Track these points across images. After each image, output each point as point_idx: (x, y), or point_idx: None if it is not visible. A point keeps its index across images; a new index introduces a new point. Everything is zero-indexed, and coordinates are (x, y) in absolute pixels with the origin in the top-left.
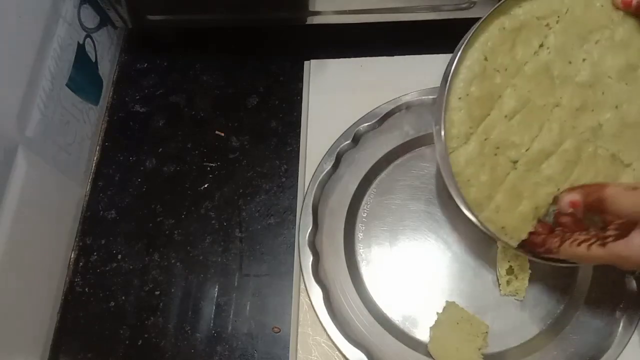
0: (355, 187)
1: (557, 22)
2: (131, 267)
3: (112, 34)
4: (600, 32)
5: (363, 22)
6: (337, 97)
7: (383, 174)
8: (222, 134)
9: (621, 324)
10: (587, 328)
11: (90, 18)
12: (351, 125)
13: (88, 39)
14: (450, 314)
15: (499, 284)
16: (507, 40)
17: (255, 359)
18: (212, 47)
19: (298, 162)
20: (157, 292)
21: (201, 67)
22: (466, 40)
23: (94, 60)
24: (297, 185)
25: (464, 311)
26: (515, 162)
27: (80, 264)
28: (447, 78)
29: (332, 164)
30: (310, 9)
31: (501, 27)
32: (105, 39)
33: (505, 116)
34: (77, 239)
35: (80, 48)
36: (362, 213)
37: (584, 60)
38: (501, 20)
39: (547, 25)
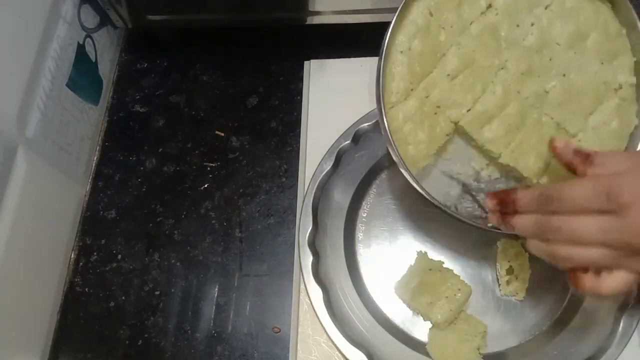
0: (355, 187)
1: None
2: (131, 267)
3: (112, 34)
4: None
5: (363, 22)
6: (337, 97)
7: (383, 174)
8: (222, 134)
9: (621, 324)
10: (587, 328)
11: (90, 18)
12: (351, 125)
13: (88, 39)
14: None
15: (499, 284)
16: None
17: (255, 359)
18: (212, 47)
19: (298, 162)
20: (157, 292)
21: (201, 67)
22: None
23: (94, 60)
24: (297, 185)
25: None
26: (456, 122)
27: (80, 264)
28: (388, 29)
29: (332, 164)
30: (310, 9)
31: None
32: (105, 39)
33: (448, 75)
34: (77, 239)
35: (80, 48)
36: (362, 213)
37: (532, 24)
38: None
39: None
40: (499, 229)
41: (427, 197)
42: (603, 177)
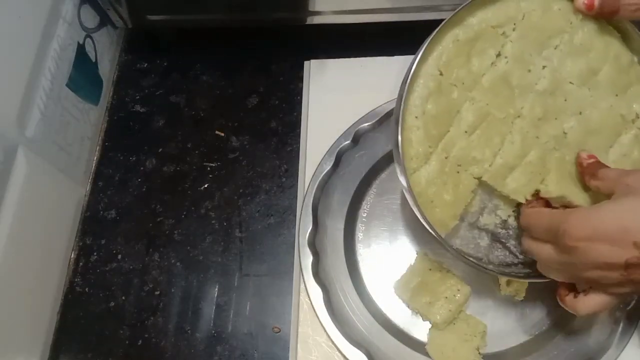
0: (355, 187)
1: (514, 29)
2: (131, 267)
3: (112, 34)
4: (560, 36)
5: (363, 22)
6: (337, 97)
7: (383, 174)
8: (222, 134)
9: (621, 324)
10: (587, 328)
11: (90, 18)
12: (351, 125)
13: (88, 39)
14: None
15: (499, 284)
16: (462, 53)
17: (255, 359)
18: (212, 47)
19: (298, 162)
20: (157, 292)
21: (201, 67)
22: (419, 56)
23: (94, 60)
24: (297, 185)
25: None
26: (479, 178)
27: (80, 264)
28: (401, 96)
29: (332, 164)
30: (310, 9)
31: (455, 39)
32: (105, 39)
33: (465, 132)
34: (77, 239)
35: (80, 48)
36: (362, 213)
37: (543, 67)
38: (455, 31)
39: (504, 33)
40: (534, 278)
41: (459, 258)
42: (558, 212)
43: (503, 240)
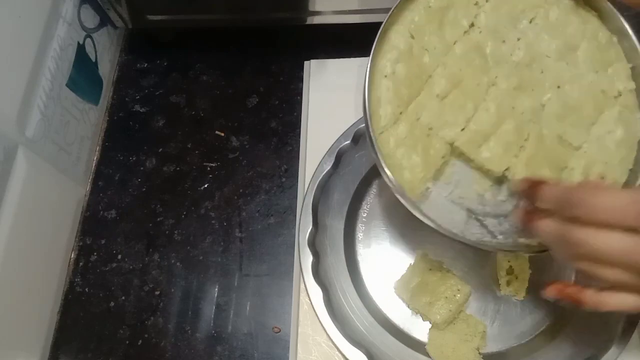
0: (355, 187)
1: (487, 0)
2: (131, 267)
3: (112, 34)
4: (534, 11)
5: (363, 22)
6: (337, 97)
7: None
8: (222, 134)
9: (621, 324)
10: (587, 328)
11: (90, 18)
12: (351, 125)
13: (88, 39)
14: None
15: (499, 284)
16: (433, 20)
17: (255, 359)
18: (212, 47)
19: (298, 162)
20: (157, 292)
21: (201, 67)
22: (387, 16)
23: (94, 60)
24: (297, 185)
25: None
26: (451, 144)
27: (80, 264)
28: (370, 55)
29: (332, 164)
30: (310, 9)
31: (427, 5)
32: (105, 39)
33: (437, 96)
34: (77, 239)
35: (80, 48)
36: (362, 213)
37: (518, 39)
38: None
39: (477, 4)
40: (509, 250)
41: (429, 222)
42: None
43: (480, 218)
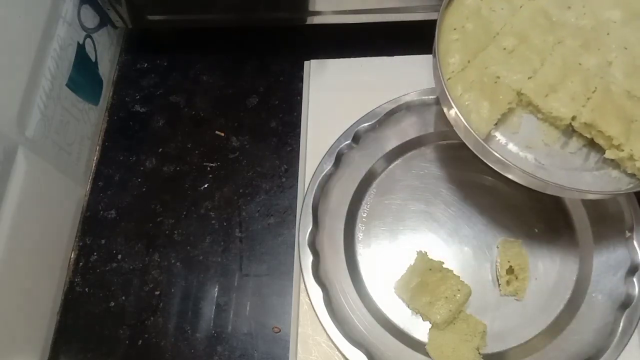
0: (355, 187)
1: None
2: (131, 267)
3: (112, 34)
4: None
5: (363, 22)
6: (337, 97)
7: (383, 174)
8: (222, 134)
9: (621, 324)
10: (587, 328)
11: (90, 18)
12: (351, 125)
13: (88, 39)
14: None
15: (499, 284)
16: None
17: (255, 359)
18: (212, 47)
19: (298, 162)
20: (157, 292)
21: (201, 67)
22: None
23: (94, 60)
24: (297, 185)
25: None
26: (518, 91)
27: (80, 264)
28: (440, 10)
29: (332, 164)
30: (310, 9)
31: None
32: (105, 39)
33: (504, 49)
34: (77, 239)
35: (80, 48)
36: (362, 213)
37: (583, 6)
38: None
39: None
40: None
41: (496, 163)
42: None
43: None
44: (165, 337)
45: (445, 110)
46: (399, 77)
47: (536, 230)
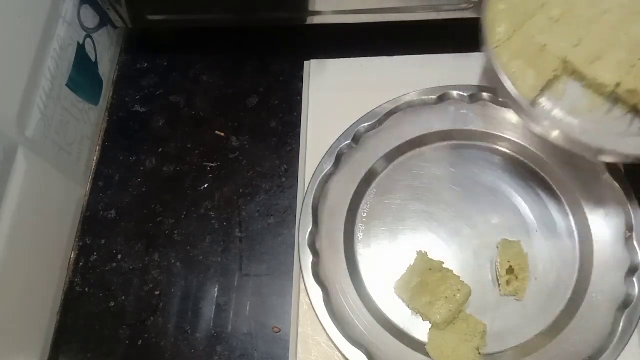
0: (355, 187)
1: None
2: (131, 267)
3: (112, 34)
4: None
5: (363, 22)
6: (337, 97)
7: (383, 174)
8: (222, 134)
9: (621, 324)
10: (587, 328)
11: (90, 18)
12: (351, 125)
13: (88, 39)
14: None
15: (499, 284)
16: None
17: (255, 359)
18: (212, 47)
19: (298, 162)
20: (157, 292)
21: (201, 67)
22: None
23: (94, 60)
24: (297, 185)
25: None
26: (563, 59)
27: (80, 264)
28: None
29: (332, 164)
30: (310, 9)
31: None
32: (105, 39)
33: (550, 18)
34: (77, 239)
35: (80, 48)
36: (362, 213)
37: None
38: None
39: None
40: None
41: (544, 126)
42: None
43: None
44: (165, 337)
45: (492, 77)
46: (399, 77)
47: (536, 230)
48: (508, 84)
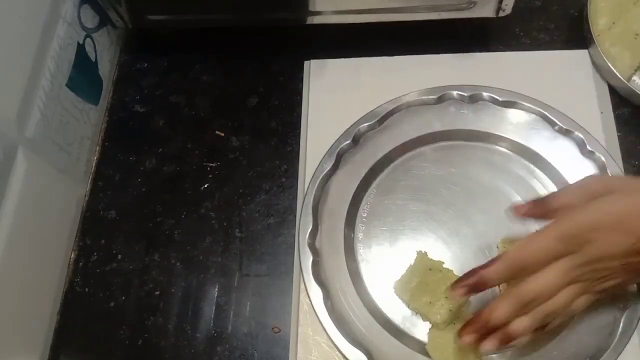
0: (355, 187)
1: None
2: (131, 267)
3: (112, 34)
4: None
5: (363, 22)
6: (337, 97)
7: (383, 174)
8: (222, 134)
9: (621, 324)
10: (587, 328)
11: (90, 18)
12: (351, 125)
13: (88, 39)
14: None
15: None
16: None
17: (255, 359)
18: (212, 47)
19: (298, 162)
20: (157, 292)
21: (201, 67)
22: None
23: (94, 60)
24: (297, 185)
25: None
26: None
27: (80, 264)
28: None
29: (332, 164)
30: (310, 9)
31: None
32: (105, 39)
33: (634, 4)
34: (77, 239)
35: (80, 48)
36: (362, 213)
37: None
38: None
39: None
40: None
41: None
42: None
43: None
44: (165, 337)
45: (595, 60)
46: (399, 77)
47: (536, 230)
48: (609, 64)
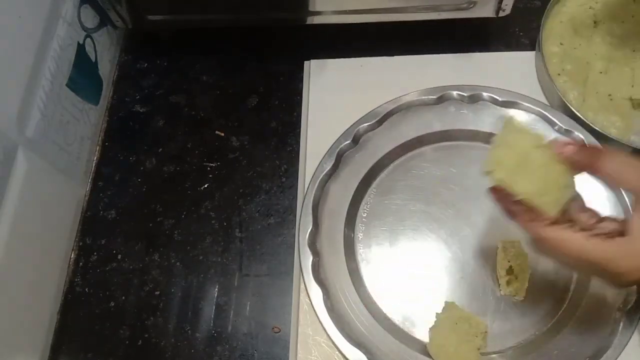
0: (355, 187)
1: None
2: (131, 267)
3: (112, 34)
4: None
5: (363, 22)
6: (337, 97)
7: (383, 174)
8: (222, 134)
9: (621, 324)
10: (587, 328)
11: (90, 18)
12: (351, 125)
13: (88, 39)
14: (449, 314)
15: (499, 284)
16: (567, 29)
17: (255, 359)
18: (212, 47)
19: (298, 162)
20: (157, 292)
21: (201, 67)
22: (541, 35)
23: (94, 60)
24: (297, 185)
25: (463, 311)
26: (630, 99)
27: (80, 264)
28: (540, 64)
29: (332, 164)
30: (310, 9)
31: (559, 20)
32: (105, 39)
33: (600, 73)
34: (77, 239)
35: (80, 48)
36: (362, 213)
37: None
38: (556, 10)
39: (591, 7)
40: None
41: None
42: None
43: None
44: (165, 337)
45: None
46: (399, 77)
47: None
48: (608, 133)
